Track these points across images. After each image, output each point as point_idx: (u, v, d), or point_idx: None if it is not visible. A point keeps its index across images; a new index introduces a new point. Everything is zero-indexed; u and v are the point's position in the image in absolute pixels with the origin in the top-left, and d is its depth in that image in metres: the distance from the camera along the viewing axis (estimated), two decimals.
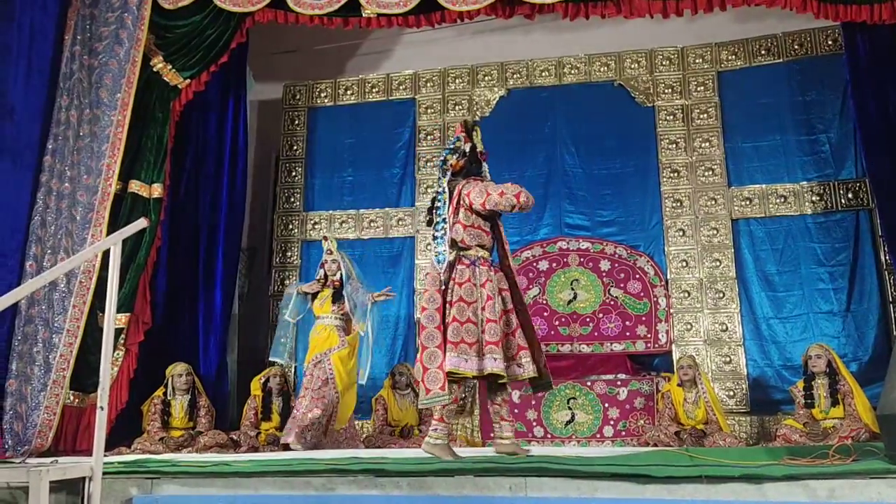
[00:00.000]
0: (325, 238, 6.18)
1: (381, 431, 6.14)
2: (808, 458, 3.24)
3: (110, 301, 3.28)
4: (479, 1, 5.80)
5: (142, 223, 3.72)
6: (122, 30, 6.03)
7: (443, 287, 4.06)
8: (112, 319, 3.29)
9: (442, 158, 4.26)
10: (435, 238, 4.13)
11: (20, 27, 5.73)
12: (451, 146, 4.25)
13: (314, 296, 5.99)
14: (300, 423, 5.52)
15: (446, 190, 4.19)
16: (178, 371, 6.01)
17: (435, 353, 3.93)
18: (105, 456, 3.29)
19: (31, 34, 5.78)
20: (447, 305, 4.03)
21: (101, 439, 3.21)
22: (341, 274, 5.89)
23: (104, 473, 3.25)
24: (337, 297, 5.87)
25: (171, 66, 6.27)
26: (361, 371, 5.79)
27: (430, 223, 4.29)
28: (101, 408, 3.21)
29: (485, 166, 4.33)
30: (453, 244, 4.11)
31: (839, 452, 3.25)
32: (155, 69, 6.22)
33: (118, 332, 5.62)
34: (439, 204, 4.18)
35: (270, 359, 6.18)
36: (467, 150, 4.23)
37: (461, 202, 4.12)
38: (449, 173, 4.22)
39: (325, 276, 5.98)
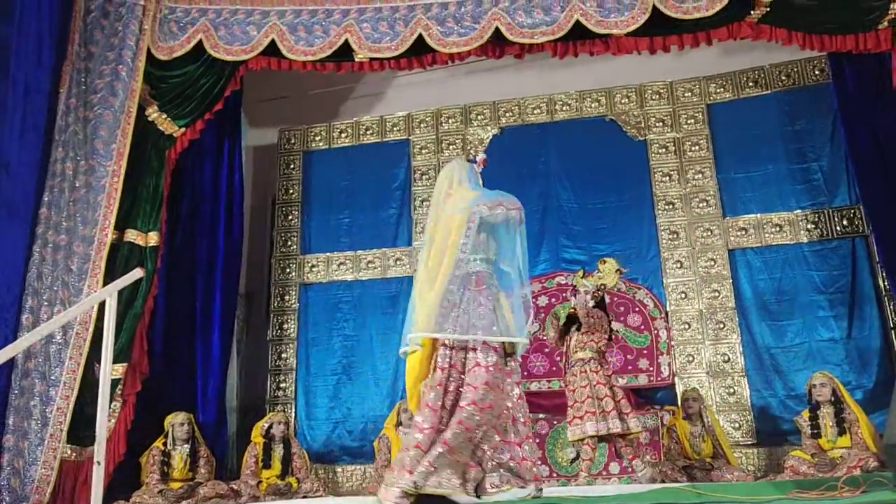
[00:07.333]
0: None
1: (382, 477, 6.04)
2: (817, 490, 3.20)
3: (106, 353, 3.26)
4: (468, 42, 5.87)
5: (137, 273, 3.71)
6: (117, 81, 6.09)
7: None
8: (108, 372, 3.26)
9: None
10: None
11: (15, 82, 5.76)
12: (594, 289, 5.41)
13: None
14: None
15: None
16: (178, 420, 5.95)
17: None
18: None
19: (25, 89, 5.81)
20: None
21: (99, 495, 3.16)
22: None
23: None
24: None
25: (165, 116, 6.31)
26: None
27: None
28: (98, 462, 3.16)
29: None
30: None
31: (848, 484, 3.21)
32: (150, 119, 6.26)
33: (115, 382, 5.57)
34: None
35: None
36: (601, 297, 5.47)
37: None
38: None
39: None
